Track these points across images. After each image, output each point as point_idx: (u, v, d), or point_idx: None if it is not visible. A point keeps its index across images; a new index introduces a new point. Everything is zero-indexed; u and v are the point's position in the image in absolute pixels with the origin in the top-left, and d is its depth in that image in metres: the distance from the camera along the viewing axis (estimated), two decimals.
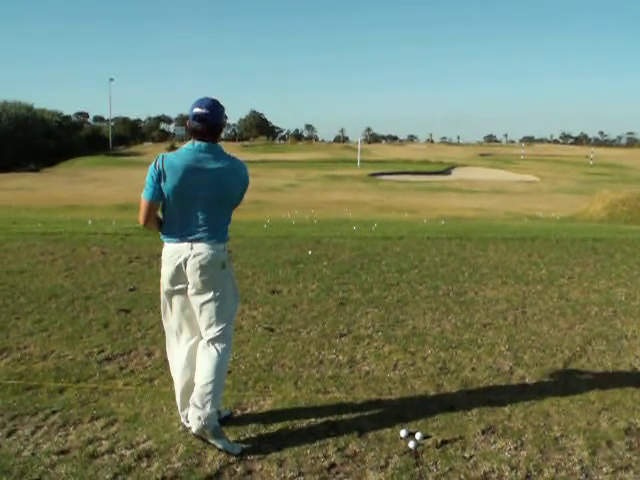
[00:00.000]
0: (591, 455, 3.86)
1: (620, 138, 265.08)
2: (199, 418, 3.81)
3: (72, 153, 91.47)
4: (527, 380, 5.16)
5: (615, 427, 4.25)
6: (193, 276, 3.88)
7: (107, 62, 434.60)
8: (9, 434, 4.02)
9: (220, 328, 3.98)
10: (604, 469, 3.69)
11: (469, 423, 4.28)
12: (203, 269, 3.86)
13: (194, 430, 3.86)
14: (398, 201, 43.37)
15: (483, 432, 4.15)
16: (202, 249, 3.86)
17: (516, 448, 3.93)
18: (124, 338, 6.11)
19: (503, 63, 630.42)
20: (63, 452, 3.79)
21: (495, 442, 4.02)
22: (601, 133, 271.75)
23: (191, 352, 4.10)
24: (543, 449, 3.93)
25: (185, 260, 3.86)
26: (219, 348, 3.98)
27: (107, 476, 3.51)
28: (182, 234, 3.88)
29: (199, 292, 3.93)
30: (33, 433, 4.04)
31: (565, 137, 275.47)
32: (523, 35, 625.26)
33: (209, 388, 3.88)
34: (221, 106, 3.91)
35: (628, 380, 5.21)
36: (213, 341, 3.99)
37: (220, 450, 3.79)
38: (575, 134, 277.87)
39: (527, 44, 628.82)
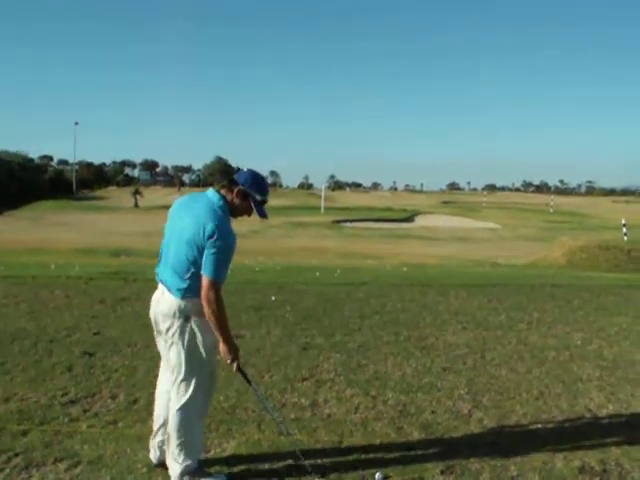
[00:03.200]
0: None
1: (580, 186, 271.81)
2: (176, 467, 3.95)
3: (35, 196, 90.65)
4: (485, 422, 5.29)
5: (569, 466, 4.39)
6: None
7: (72, 106, 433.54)
8: None
9: (179, 380, 3.96)
10: None
11: (428, 464, 4.38)
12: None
13: (173, 478, 3.98)
14: (361, 247, 43.63)
15: (442, 472, 4.25)
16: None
17: None
18: (88, 381, 6.11)
19: (465, 114, 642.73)
20: None
21: None
22: (561, 181, 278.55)
23: (163, 395, 4.18)
24: None
25: None
26: (176, 401, 3.97)
27: None
28: None
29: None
30: None
31: (526, 185, 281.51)
32: (485, 84, 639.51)
33: (172, 441, 3.96)
34: None
35: (583, 422, 5.38)
36: (174, 392, 4.00)
37: None
38: (536, 182, 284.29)
39: (490, 94, 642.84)
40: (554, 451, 4.65)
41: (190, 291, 3.82)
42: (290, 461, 4.21)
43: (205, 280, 3.73)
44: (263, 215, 4.00)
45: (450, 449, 4.65)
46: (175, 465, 3.95)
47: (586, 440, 4.90)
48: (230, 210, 3.93)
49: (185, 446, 3.96)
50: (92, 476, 4.07)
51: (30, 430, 4.80)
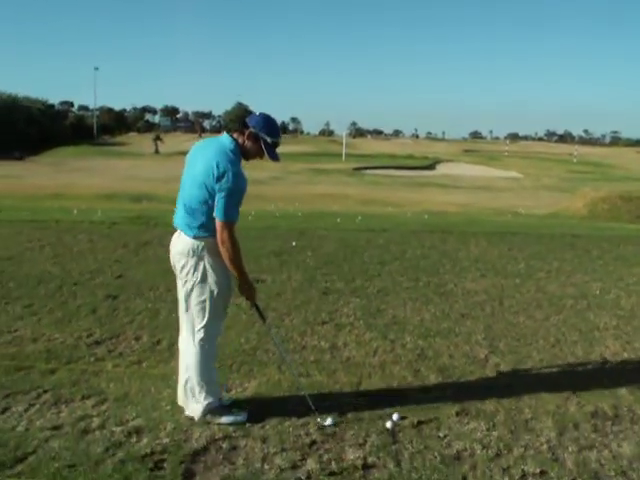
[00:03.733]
0: (558, 436, 4.08)
1: (604, 137, 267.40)
2: (196, 406, 4.11)
3: (56, 142, 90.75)
4: (501, 367, 5.38)
5: (582, 411, 4.48)
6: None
7: (92, 52, 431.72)
8: (3, 411, 4.19)
9: (194, 320, 4.09)
10: (570, 448, 3.91)
11: (444, 406, 4.49)
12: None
13: (196, 418, 4.13)
14: (382, 195, 43.51)
15: (457, 414, 4.36)
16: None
17: (488, 429, 4.15)
18: (112, 323, 6.26)
19: (491, 61, 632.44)
20: (56, 428, 3.96)
21: (468, 423, 4.23)
22: (586, 131, 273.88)
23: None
24: (513, 430, 4.15)
25: None
26: (192, 341, 4.10)
27: (99, 450, 3.68)
28: None
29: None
30: (26, 410, 4.20)
31: (550, 135, 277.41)
32: (511, 35, 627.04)
33: (193, 381, 4.09)
34: None
35: (597, 368, 5.46)
36: (189, 332, 4.13)
37: (229, 424, 4.05)
38: (560, 132, 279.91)
39: (514, 43, 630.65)
40: (568, 396, 4.73)
41: (202, 230, 3.94)
42: (310, 404, 4.32)
43: (218, 222, 3.86)
44: (274, 157, 4.09)
45: (466, 392, 4.75)
46: (196, 405, 4.10)
47: (600, 386, 4.97)
48: (242, 153, 4.03)
49: (206, 385, 4.09)
50: (119, 412, 4.21)
51: (58, 369, 4.96)
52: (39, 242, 10.69)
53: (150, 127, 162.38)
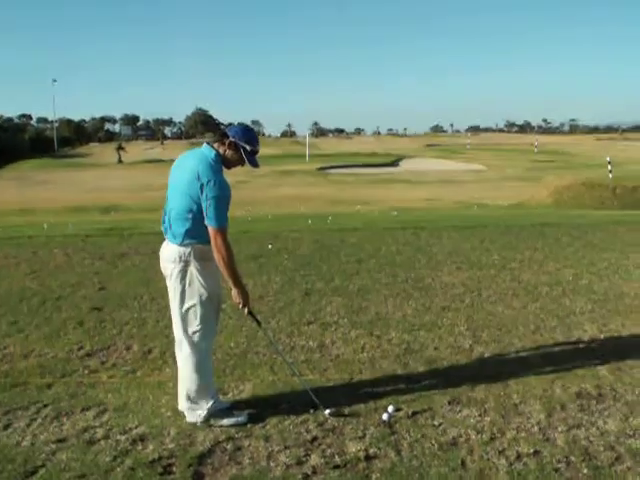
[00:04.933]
0: (547, 417, 4.25)
1: (563, 125, 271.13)
2: (197, 413, 4.22)
3: (17, 156, 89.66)
4: (486, 355, 5.56)
5: (568, 392, 4.67)
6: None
7: (49, 64, 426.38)
8: (5, 427, 4.23)
9: (185, 327, 4.20)
10: (559, 428, 4.08)
11: (436, 395, 4.64)
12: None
13: (198, 423, 4.23)
14: (349, 194, 43.81)
15: (449, 403, 4.52)
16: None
17: (480, 415, 4.31)
18: (101, 335, 6.32)
19: (445, 55, 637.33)
20: (61, 440, 4.02)
21: (461, 411, 4.39)
22: (545, 120, 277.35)
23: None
24: (504, 414, 4.32)
25: None
26: (185, 348, 4.22)
27: (107, 459, 3.77)
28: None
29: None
30: (29, 425, 4.26)
31: (510, 126, 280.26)
32: (464, 27, 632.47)
33: (190, 387, 4.22)
34: None
35: (578, 351, 5.67)
36: (182, 338, 4.23)
37: (231, 426, 4.16)
38: (519, 122, 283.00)
39: (469, 36, 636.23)
40: (553, 379, 4.92)
41: (188, 237, 4.08)
42: (305, 399, 4.44)
43: (210, 229, 4.01)
44: (254, 164, 4.26)
45: (455, 381, 4.91)
46: (197, 411, 4.21)
47: (582, 368, 5.16)
48: (224, 162, 4.20)
49: (204, 389, 4.22)
50: (121, 421, 4.29)
51: (54, 383, 5.02)
52: (14, 259, 10.66)
53: (111, 136, 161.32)
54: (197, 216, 4.02)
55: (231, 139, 4.15)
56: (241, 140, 4.16)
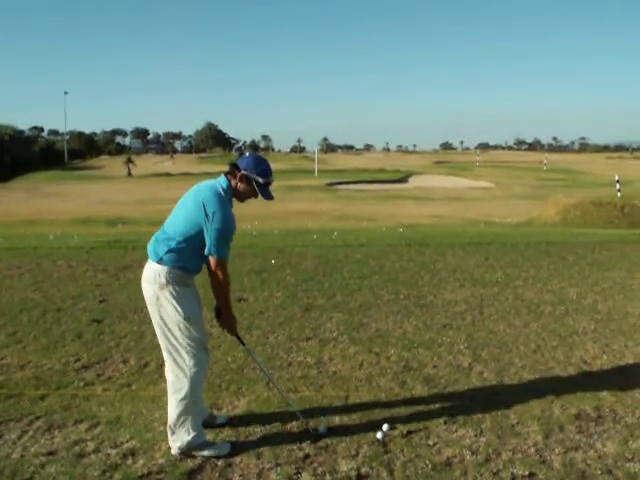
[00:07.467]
0: (544, 439, 4.19)
1: (573, 143, 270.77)
2: (175, 444, 4.03)
3: (27, 168, 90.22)
4: (485, 375, 5.49)
5: (566, 413, 4.60)
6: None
7: (61, 76, 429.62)
8: None
9: (167, 354, 4.06)
10: (556, 450, 4.02)
11: (432, 415, 4.59)
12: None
13: (174, 452, 4.04)
14: (356, 210, 43.77)
15: (445, 422, 4.46)
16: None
17: (476, 435, 4.25)
18: (98, 347, 6.29)
19: (457, 70, 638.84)
20: (51, 453, 4.00)
21: (456, 431, 4.33)
22: (554, 139, 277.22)
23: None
24: (501, 435, 4.25)
25: None
26: (168, 376, 4.08)
27: (95, 473, 3.73)
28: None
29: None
30: (20, 437, 4.24)
31: (519, 143, 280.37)
32: (477, 44, 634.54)
33: (176, 416, 4.01)
34: None
35: (578, 372, 5.58)
36: (168, 364, 4.08)
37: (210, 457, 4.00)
38: (529, 140, 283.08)
39: (479, 50, 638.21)
40: (552, 400, 4.85)
41: (168, 258, 3.95)
42: (300, 417, 4.39)
43: (212, 260, 3.95)
44: (268, 196, 4.16)
45: (452, 401, 4.85)
46: (176, 442, 4.01)
47: (582, 389, 5.09)
48: (235, 194, 4.10)
49: (189, 419, 4.02)
50: (112, 435, 4.26)
51: (48, 395, 4.99)
52: (18, 269, 10.66)
53: (121, 150, 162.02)
54: (190, 243, 3.94)
55: (243, 172, 4.03)
56: (253, 172, 4.04)
